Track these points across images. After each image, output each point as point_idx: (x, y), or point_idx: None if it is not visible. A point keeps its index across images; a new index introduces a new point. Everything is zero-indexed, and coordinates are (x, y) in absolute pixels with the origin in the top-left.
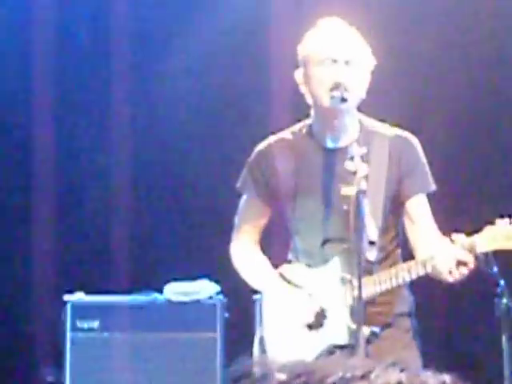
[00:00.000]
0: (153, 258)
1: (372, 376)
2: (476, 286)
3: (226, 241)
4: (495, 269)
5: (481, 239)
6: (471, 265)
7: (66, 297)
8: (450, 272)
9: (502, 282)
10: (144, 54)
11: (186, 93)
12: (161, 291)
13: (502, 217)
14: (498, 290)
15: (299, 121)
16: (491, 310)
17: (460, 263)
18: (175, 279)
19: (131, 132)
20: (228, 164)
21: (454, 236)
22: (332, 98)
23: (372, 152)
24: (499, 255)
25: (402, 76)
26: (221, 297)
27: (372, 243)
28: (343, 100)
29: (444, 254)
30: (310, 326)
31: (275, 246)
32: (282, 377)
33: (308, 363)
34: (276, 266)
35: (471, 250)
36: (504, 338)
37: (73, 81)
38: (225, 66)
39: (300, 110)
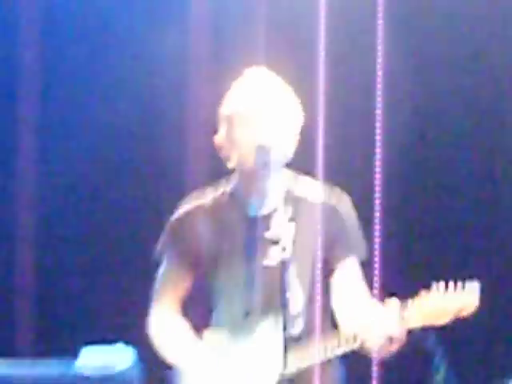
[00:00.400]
0: (64, 318)
1: None
2: (411, 358)
3: (145, 301)
4: (433, 341)
5: (413, 313)
6: (401, 342)
7: None
8: (379, 348)
9: (439, 354)
10: None
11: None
12: (74, 355)
13: (437, 278)
14: (435, 362)
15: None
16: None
17: (390, 339)
18: (89, 342)
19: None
20: (146, 228)
21: (389, 302)
22: (256, 160)
23: (298, 219)
24: None
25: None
26: (137, 369)
27: (297, 315)
28: (267, 163)
29: (374, 328)
30: None
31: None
32: None
33: None
34: (200, 330)
35: (402, 323)
36: None
37: None
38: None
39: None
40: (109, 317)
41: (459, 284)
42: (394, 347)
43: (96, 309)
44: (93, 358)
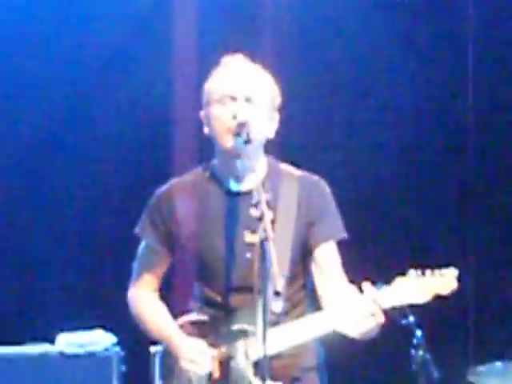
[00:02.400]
0: (41, 305)
1: None
2: (391, 337)
3: (123, 288)
4: (411, 319)
5: (390, 292)
6: (380, 319)
7: None
8: (356, 325)
9: (418, 333)
10: None
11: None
12: (51, 341)
13: (413, 267)
14: (414, 341)
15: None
16: (407, 363)
17: (367, 316)
18: (66, 329)
19: None
20: (134, 212)
21: (364, 286)
22: (234, 138)
23: (279, 196)
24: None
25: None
26: (117, 349)
27: (277, 294)
28: (247, 141)
29: (351, 307)
30: (213, 381)
31: (177, 293)
32: None
33: None
34: (176, 316)
35: (379, 302)
36: None
37: None
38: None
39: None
40: (85, 304)
41: (436, 269)
42: (370, 325)
43: (72, 297)
44: (72, 339)
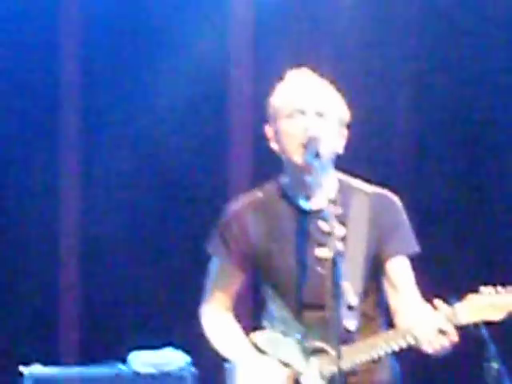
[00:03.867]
0: (112, 325)
1: None
2: (465, 351)
3: (195, 305)
4: (485, 333)
5: (463, 309)
6: (453, 336)
7: (22, 368)
8: (430, 342)
9: (491, 347)
10: None
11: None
12: (123, 361)
13: (485, 284)
14: (488, 354)
15: (268, 179)
16: (481, 376)
17: (441, 333)
18: (137, 348)
19: None
20: (195, 227)
21: (437, 303)
22: (305, 153)
23: (350, 211)
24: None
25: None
26: (191, 368)
27: (351, 308)
28: (317, 155)
29: (425, 323)
30: None
31: (249, 310)
32: None
33: None
34: (249, 333)
35: (453, 320)
36: None
37: None
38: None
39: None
40: (157, 323)
41: (509, 286)
42: (443, 342)
43: (144, 315)
44: (145, 359)
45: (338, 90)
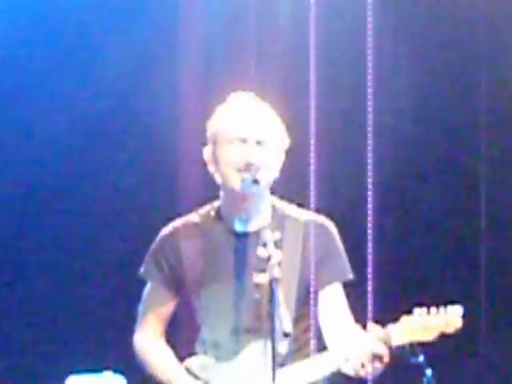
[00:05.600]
0: (49, 348)
1: None
2: (402, 376)
3: (131, 330)
4: (421, 358)
5: (397, 330)
6: (386, 358)
7: None
8: (363, 366)
9: (428, 372)
10: None
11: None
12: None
13: (419, 305)
14: (425, 380)
15: (207, 202)
16: None
17: (375, 356)
18: (74, 371)
19: None
20: (132, 252)
21: (369, 326)
22: (243, 180)
23: (285, 238)
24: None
25: None
26: None
27: (286, 335)
28: (255, 182)
29: (358, 347)
30: None
31: (182, 336)
32: None
33: None
34: (183, 359)
35: (386, 341)
36: None
37: None
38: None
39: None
40: (93, 346)
41: (441, 308)
42: (377, 366)
43: (79, 338)
44: (83, 383)
45: (280, 114)
